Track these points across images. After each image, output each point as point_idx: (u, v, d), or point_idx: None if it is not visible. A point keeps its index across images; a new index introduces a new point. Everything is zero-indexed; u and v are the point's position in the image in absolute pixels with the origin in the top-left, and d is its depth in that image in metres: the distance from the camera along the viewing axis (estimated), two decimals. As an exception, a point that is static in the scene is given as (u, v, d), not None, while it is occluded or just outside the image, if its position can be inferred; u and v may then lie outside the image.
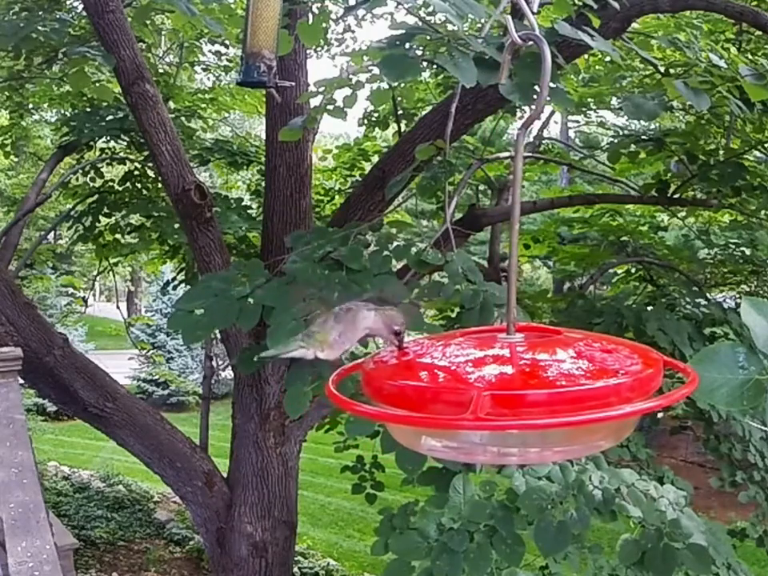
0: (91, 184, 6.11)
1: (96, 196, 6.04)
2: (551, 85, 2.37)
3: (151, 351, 14.36)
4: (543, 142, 6.36)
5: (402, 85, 5.05)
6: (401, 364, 0.82)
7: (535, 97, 2.01)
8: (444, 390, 0.72)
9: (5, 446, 3.23)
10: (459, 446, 0.78)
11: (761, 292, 5.77)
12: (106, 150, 6.25)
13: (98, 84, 4.96)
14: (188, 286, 6.29)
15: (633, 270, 5.71)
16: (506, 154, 4.84)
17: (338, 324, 0.95)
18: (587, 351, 0.78)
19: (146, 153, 5.53)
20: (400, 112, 5.66)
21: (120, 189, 6.05)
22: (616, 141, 4.68)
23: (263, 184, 5.10)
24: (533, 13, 0.89)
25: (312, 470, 10.60)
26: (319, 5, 4.42)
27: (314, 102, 3.46)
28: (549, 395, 0.68)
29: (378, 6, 4.13)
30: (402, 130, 5.44)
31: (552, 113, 6.51)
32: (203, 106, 6.57)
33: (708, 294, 5.11)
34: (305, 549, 8.15)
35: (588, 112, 5.92)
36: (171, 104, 6.08)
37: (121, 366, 12.52)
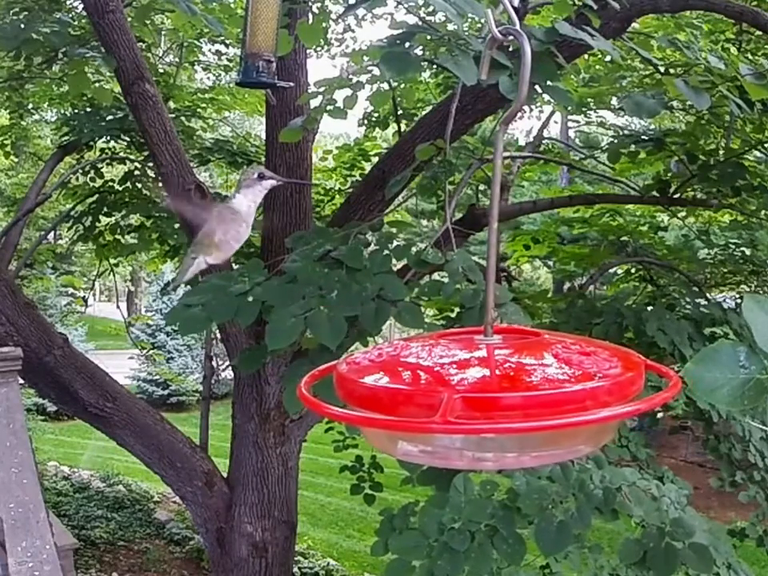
0: (91, 184, 6.11)
1: (96, 196, 6.04)
2: (551, 84, 2.38)
3: (151, 351, 14.36)
4: (543, 141, 6.36)
5: (402, 85, 5.05)
6: (374, 365, 0.81)
7: (535, 96, 2.01)
8: (415, 393, 0.71)
9: (5, 445, 3.23)
10: (434, 450, 0.76)
11: (761, 292, 5.77)
12: (106, 150, 6.24)
13: (97, 85, 4.96)
14: (188, 286, 6.28)
15: (633, 270, 5.71)
16: (506, 153, 4.84)
17: (222, 224, 1.02)
18: (565, 354, 0.77)
19: (146, 153, 5.53)
20: (400, 112, 5.65)
21: (120, 189, 6.05)
22: (616, 141, 4.68)
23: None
24: (514, 8, 0.89)
25: (312, 470, 10.60)
26: (319, 5, 4.42)
27: (314, 102, 3.46)
28: (522, 398, 0.66)
29: (378, 5, 4.12)
30: (402, 130, 5.44)
31: (552, 113, 6.52)
32: (203, 105, 6.57)
33: (708, 294, 5.10)
34: (305, 549, 8.15)
35: (588, 112, 5.92)
36: (171, 104, 6.07)
37: (121, 366, 12.52)
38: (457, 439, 0.73)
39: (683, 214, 5.20)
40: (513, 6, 0.92)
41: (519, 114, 5.86)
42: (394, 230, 3.26)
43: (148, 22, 5.55)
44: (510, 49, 2.22)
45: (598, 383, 0.69)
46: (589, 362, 0.74)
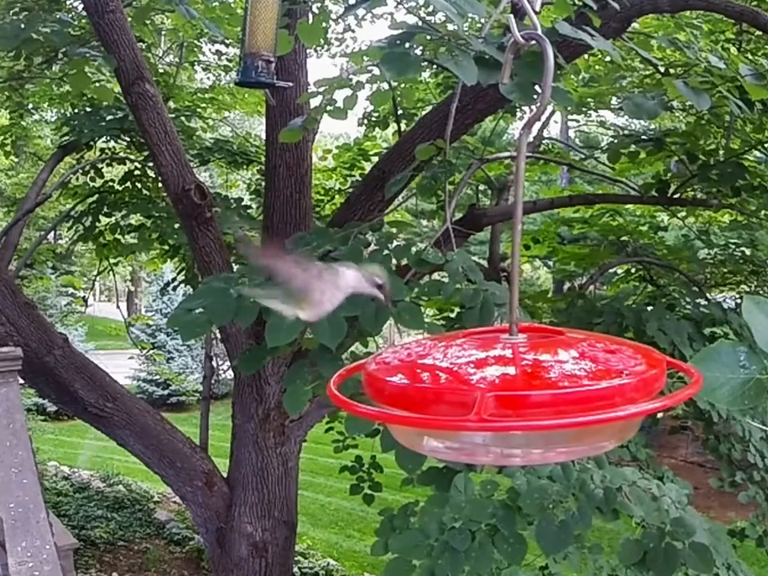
0: (91, 184, 6.11)
1: (96, 196, 6.04)
2: (551, 84, 2.37)
3: (151, 351, 14.35)
4: (543, 142, 6.35)
5: (402, 85, 5.04)
6: (403, 364, 0.82)
7: (535, 96, 2.01)
8: (447, 391, 0.72)
9: (5, 445, 3.23)
10: (461, 446, 0.77)
11: (761, 292, 5.77)
12: (106, 150, 6.25)
13: (98, 84, 4.96)
14: (188, 286, 6.30)
15: (633, 270, 5.71)
16: (506, 154, 4.84)
17: (320, 283, 0.92)
18: (590, 352, 0.78)
19: (146, 153, 5.53)
20: (400, 112, 5.65)
21: (120, 189, 6.05)
22: (616, 141, 4.68)
23: (263, 184, 5.10)
24: (535, 12, 0.89)
25: (312, 470, 10.59)
26: (319, 4, 4.42)
27: (314, 102, 3.46)
28: (553, 396, 0.68)
29: (378, 5, 4.12)
30: (402, 129, 5.44)
31: (552, 113, 6.52)
32: (203, 105, 6.57)
33: (708, 294, 5.11)
34: (305, 549, 8.15)
35: (588, 112, 5.92)
36: (171, 104, 6.07)
37: (121, 366, 12.52)
38: (485, 436, 0.74)
39: (683, 214, 5.20)
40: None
41: (519, 114, 5.86)
42: (394, 230, 3.27)
43: (148, 22, 5.55)
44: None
45: (626, 380, 0.70)
46: (614, 360, 0.76)
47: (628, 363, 0.75)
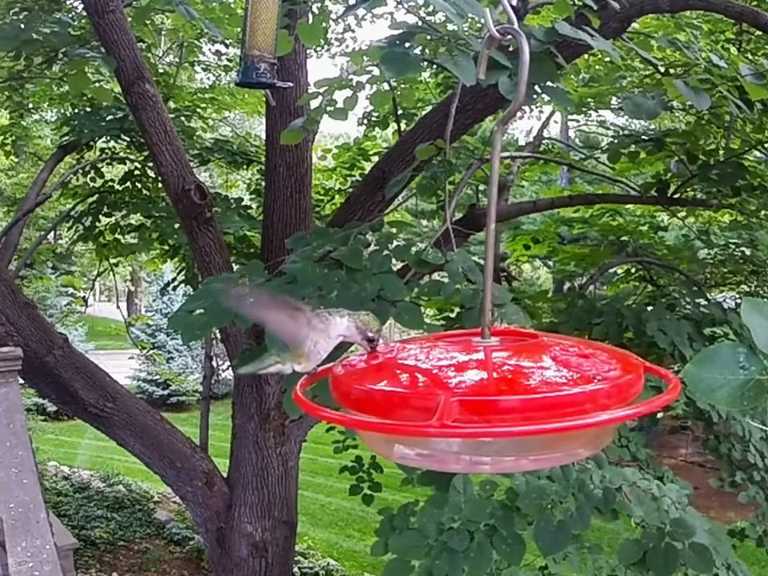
0: (91, 184, 6.11)
1: (96, 196, 6.05)
2: (551, 84, 2.38)
3: (151, 351, 14.36)
4: (543, 142, 6.35)
5: (402, 85, 5.04)
6: (370, 368, 0.81)
7: (535, 96, 2.01)
8: (411, 396, 0.70)
9: (5, 445, 3.23)
10: (431, 453, 0.75)
11: (761, 292, 5.76)
12: (106, 150, 6.25)
13: (97, 84, 4.96)
14: (188, 286, 6.30)
15: (633, 270, 5.70)
16: (506, 153, 4.84)
17: (312, 333, 0.93)
18: (563, 356, 0.76)
19: (146, 153, 5.53)
20: (400, 112, 5.65)
21: (120, 189, 6.05)
22: (616, 141, 4.68)
23: (263, 184, 5.10)
24: (513, 8, 0.89)
25: (312, 470, 10.60)
26: (319, 4, 4.42)
27: (315, 102, 3.46)
28: (520, 402, 0.65)
29: (378, 5, 4.12)
30: (402, 129, 5.44)
31: (552, 113, 6.52)
32: (203, 105, 6.57)
33: (708, 294, 5.10)
34: (305, 549, 8.15)
35: (588, 112, 5.92)
36: (171, 104, 6.08)
37: (121, 366, 12.52)
38: (454, 442, 0.72)
39: (683, 214, 5.20)
40: (512, 6, 0.92)
41: (519, 114, 5.86)
42: (393, 230, 3.26)
43: (148, 22, 5.55)
44: (511, 49, 2.22)
45: (598, 386, 0.68)
46: (588, 365, 0.73)
47: (601, 368, 0.72)
